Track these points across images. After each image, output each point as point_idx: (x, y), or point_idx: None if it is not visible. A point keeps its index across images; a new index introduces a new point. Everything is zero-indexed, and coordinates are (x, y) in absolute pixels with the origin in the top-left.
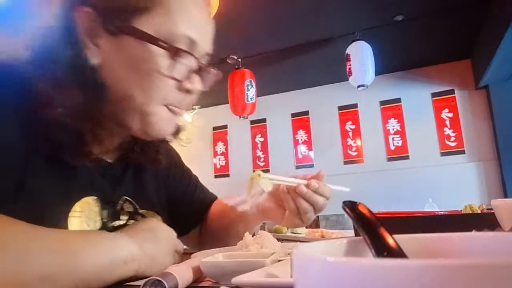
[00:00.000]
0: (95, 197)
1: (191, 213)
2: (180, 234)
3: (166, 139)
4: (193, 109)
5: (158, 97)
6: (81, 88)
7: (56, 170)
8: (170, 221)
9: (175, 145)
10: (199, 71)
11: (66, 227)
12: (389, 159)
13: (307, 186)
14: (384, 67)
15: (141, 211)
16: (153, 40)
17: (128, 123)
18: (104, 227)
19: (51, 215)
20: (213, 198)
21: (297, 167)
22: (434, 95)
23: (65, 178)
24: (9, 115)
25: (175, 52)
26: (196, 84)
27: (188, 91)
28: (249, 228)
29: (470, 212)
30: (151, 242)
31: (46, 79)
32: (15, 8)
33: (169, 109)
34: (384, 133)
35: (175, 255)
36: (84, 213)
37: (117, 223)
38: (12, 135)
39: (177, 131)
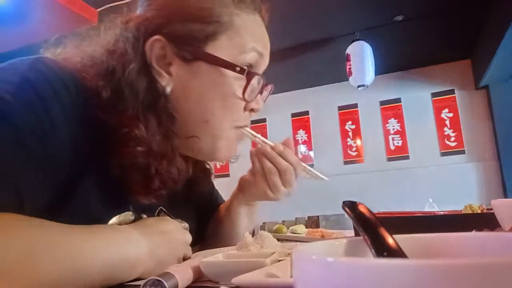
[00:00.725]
0: (131, 213)
1: (210, 217)
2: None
3: None
4: None
5: (231, 121)
6: (157, 122)
7: (101, 182)
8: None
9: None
10: (263, 88)
11: None
12: (389, 159)
13: (272, 148)
14: (384, 67)
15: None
16: (226, 64)
17: (196, 153)
18: None
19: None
20: (218, 205)
21: None
22: (434, 95)
23: (107, 194)
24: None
25: (250, 78)
26: (261, 103)
27: (252, 110)
28: (235, 215)
29: (470, 212)
30: (164, 247)
31: (123, 108)
32: (47, 18)
33: (237, 132)
34: (384, 133)
35: (180, 260)
36: (120, 219)
37: None
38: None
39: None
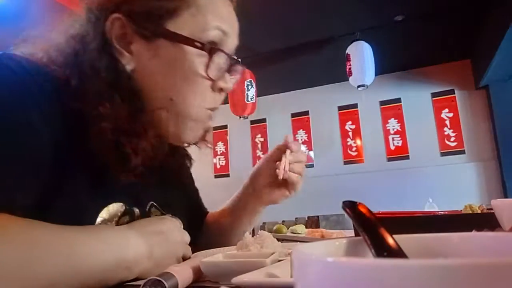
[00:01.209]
0: (121, 204)
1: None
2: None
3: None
4: None
5: (197, 100)
6: (120, 98)
7: (88, 176)
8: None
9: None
10: (230, 68)
11: None
12: (389, 159)
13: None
14: (384, 67)
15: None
16: (187, 41)
17: (165, 130)
18: None
19: (80, 221)
20: (207, 211)
21: None
22: (434, 95)
23: (94, 183)
24: (55, 114)
25: (209, 50)
26: (229, 83)
27: (221, 90)
28: (251, 215)
29: (470, 212)
30: (162, 246)
31: (86, 90)
32: (46, 17)
33: (206, 113)
34: (384, 133)
35: (179, 260)
36: (110, 219)
37: None
38: (57, 135)
39: (205, 134)
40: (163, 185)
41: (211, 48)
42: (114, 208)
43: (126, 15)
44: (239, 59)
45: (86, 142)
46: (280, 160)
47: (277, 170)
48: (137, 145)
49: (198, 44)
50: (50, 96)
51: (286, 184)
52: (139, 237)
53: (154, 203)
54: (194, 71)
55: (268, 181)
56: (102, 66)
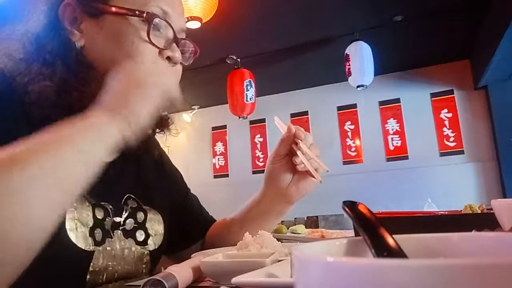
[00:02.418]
0: (87, 194)
1: (188, 228)
2: (175, 251)
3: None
4: (192, 109)
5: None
6: (67, 69)
7: None
8: (170, 232)
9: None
10: (177, 42)
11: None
12: (388, 159)
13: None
14: (383, 67)
15: (144, 207)
16: (129, 12)
17: None
18: (101, 224)
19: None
20: (212, 219)
21: None
22: (433, 95)
23: None
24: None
25: (151, 18)
26: (177, 53)
27: (169, 59)
28: (278, 217)
29: (470, 212)
30: (139, 102)
31: (36, 67)
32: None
33: None
34: (383, 133)
35: (172, 89)
36: (77, 210)
37: (117, 219)
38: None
39: (164, 124)
40: (143, 179)
41: (149, 15)
42: (80, 211)
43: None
44: (186, 38)
45: (36, 110)
46: (290, 154)
47: (297, 167)
48: (86, 104)
49: (137, 12)
50: (9, 97)
51: (308, 172)
52: (108, 114)
53: (131, 195)
54: (138, 38)
55: (291, 178)
56: (50, 44)
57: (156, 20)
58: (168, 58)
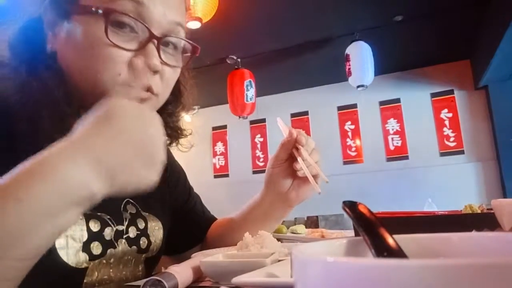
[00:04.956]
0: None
1: (190, 230)
2: (176, 252)
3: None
4: (192, 109)
5: (109, 75)
6: (38, 75)
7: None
8: (171, 234)
9: (174, 150)
10: (159, 42)
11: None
12: (389, 159)
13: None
14: (383, 67)
15: (144, 213)
16: (89, 9)
17: (89, 104)
18: (98, 236)
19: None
20: (213, 218)
21: None
22: (433, 95)
23: None
24: None
25: (108, 16)
26: (153, 59)
27: (146, 69)
28: (278, 219)
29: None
30: (116, 146)
31: (7, 73)
32: None
33: (130, 91)
34: (383, 133)
35: (156, 164)
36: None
37: (120, 227)
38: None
39: (175, 134)
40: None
41: (107, 10)
42: (76, 231)
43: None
44: (181, 37)
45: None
46: (291, 158)
47: (297, 173)
48: (57, 114)
49: (94, 9)
50: None
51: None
52: (78, 153)
53: (130, 200)
54: (98, 39)
55: (291, 183)
56: (23, 49)
57: (118, 16)
58: (145, 68)
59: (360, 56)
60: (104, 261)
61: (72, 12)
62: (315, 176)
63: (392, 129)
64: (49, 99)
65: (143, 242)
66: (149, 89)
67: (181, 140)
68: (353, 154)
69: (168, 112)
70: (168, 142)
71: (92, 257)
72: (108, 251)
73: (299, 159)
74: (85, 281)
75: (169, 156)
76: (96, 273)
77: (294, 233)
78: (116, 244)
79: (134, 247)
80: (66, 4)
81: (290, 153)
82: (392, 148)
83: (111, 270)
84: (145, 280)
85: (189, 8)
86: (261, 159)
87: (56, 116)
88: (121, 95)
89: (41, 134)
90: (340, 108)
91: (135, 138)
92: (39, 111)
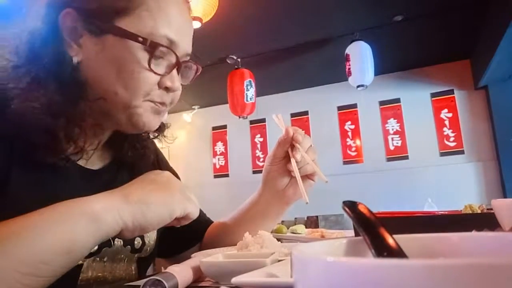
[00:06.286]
0: None
1: (187, 232)
2: (174, 253)
3: (151, 136)
4: (192, 109)
5: (141, 93)
6: (59, 85)
7: (37, 176)
8: (164, 238)
9: (173, 149)
10: (179, 68)
11: None
12: (389, 159)
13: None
14: (383, 67)
15: None
16: (134, 37)
17: (115, 118)
18: None
19: None
20: (210, 221)
21: None
22: (433, 95)
23: (46, 185)
24: None
25: (154, 48)
26: (176, 82)
27: (167, 89)
28: (275, 218)
29: (470, 212)
30: (143, 186)
31: (25, 76)
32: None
33: (153, 105)
34: (383, 133)
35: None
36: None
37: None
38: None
39: (160, 129)
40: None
41: (153, 44)
42: None
43: (77, 11)
44: (189, 60)
45: (20, 129)
46: (288, 156)
47: (292, 173)
48: (71, 131)
49: (140, 39)
50: None
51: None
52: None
53: None
54: (138, 66)
55: (288, 180)
56: (45, 54)
57: (160, 49)
58: (166, 88)
59: (360, 56)
60: (98, 259)
61: (106, 31)
62: (312, 174)
63: (392, 129)
64: (72, 114)
65: (137, 242)
66: (163, 104)
67: (165, 133)
68: (353, 154)
69: None
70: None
71: (88, 254)
72: (104, 249)
73: (292, 160)
74: (80, 278)
75: (162, 160)
76: (90, 270)
77: (294, 233)
78: (112, 242)
79: (128, 246)
80: (100, 21)
81: (287, 150)
82: (392, 148)
83: (105, 268)
84: (145, 280)
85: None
86: (261, 159)
87: (71, 125)
88: (146, 110)
89: (57, 142)
90: (340, 108)
91: (160, 181)
92: (55, 119)
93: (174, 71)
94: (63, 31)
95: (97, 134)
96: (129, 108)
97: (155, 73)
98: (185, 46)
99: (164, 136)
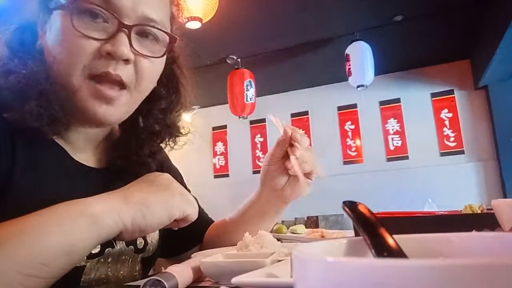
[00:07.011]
0: None
1: (188, 232)
2: (175, 254)
3: (159, 146)
4: (192, 109)
5: (78, 66)
6: (24, 67)
7: (39, 175)
8: (165, 238)
9: (168, 149)
10: (129, 34)
11: None
12: (389, 159)
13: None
14: (383, 67)
15: None
16: (59, 4)
17: (69, 109)
18: None
19: None
20: (210, 221)
21: None
22: (433, 95)
23: (47, 186)
24: None
25: (74, 7)
26: (121, 47)
27: (110, 56)
28: (274, 216)
29: (470, 212)
30: (142, 187)
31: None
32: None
33: (98, 88)
34: (383, 133)
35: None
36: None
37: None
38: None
39: (171, 132)
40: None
41: (71, 2)
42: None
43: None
44: (153, 25)
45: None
46: (286, 155)
47: (289, 171)
48: (41, 106)
49: (62, 2)
50: None
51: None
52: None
53: None
54: (67, 31)
55: (286, 180)
56: (17, 44)
57: (84, 5)
58: (109, 54)
59: (360, 56)
60: (102, 260)
61: (52, 9)
62: (309, 173)
63: (392, 129)
64: (37, 93)
65: (139, 242)
66: (120, 81)
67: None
68: (353, 154)
69: (161, 108)
70: (160, 139)
71: (90, 256)
72: (106, 250)
73: (292, 157)
74: (82, 279)
75: (165, 158)
76: (93, 271)
77: (294, 233)
78: (114, 243)
79: (131, 246)
80: (47, 2)
81: (285, 150)
82: (392, 148)
83: (109, 269)
84: (145, 280)
85: (178, 16)
86: (261, 159)
87: (43, 109)
88: (89, 93)
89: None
90: (340, 108)
91: (160, 183)
92: (27, 102)
93: (120, 36)
94: (38, 25)
95: (89, 133)
96: (72, 91)
97: (88, 37)
98: (136, 7)
99: (175, 143)
